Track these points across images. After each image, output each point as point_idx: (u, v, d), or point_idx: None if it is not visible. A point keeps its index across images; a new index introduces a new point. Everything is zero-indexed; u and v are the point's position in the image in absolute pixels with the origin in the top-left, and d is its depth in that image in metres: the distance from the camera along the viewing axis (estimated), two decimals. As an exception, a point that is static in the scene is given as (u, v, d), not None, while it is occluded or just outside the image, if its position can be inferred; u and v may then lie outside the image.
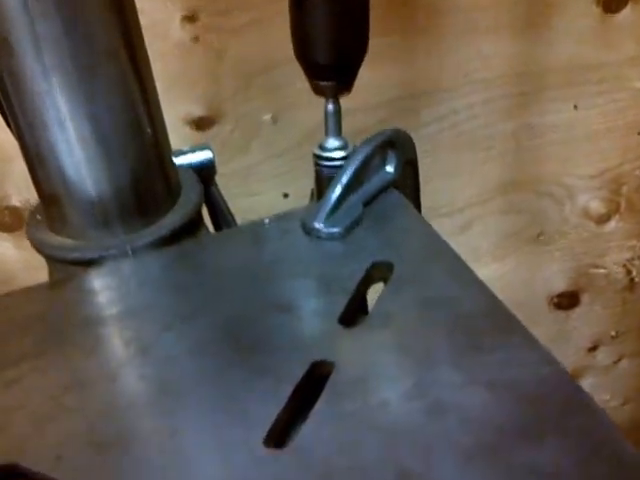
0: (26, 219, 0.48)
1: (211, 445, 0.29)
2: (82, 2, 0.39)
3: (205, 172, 0.55)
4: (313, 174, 0.52)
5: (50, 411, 0.31)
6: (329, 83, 0.47)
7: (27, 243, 0.78)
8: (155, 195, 0.47)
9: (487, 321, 0.33)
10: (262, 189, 0.82)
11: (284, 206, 0.82)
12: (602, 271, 1.05)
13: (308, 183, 0.54)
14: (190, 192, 0.50)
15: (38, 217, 0.47)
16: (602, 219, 0.99)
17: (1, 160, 0.74)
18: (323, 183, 0.54)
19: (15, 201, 0.76)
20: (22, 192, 0.76)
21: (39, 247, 0.45)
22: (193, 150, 0.55)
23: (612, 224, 1.00)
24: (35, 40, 0.38)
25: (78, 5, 0.39)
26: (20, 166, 0.72)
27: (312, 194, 0.61)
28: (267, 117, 0.78)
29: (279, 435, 0.29)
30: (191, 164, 0.55)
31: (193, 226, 0.49)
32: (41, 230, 0.45)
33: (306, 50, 0.46)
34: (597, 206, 0.97)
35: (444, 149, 0.86)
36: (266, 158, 0.80)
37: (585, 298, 1.07)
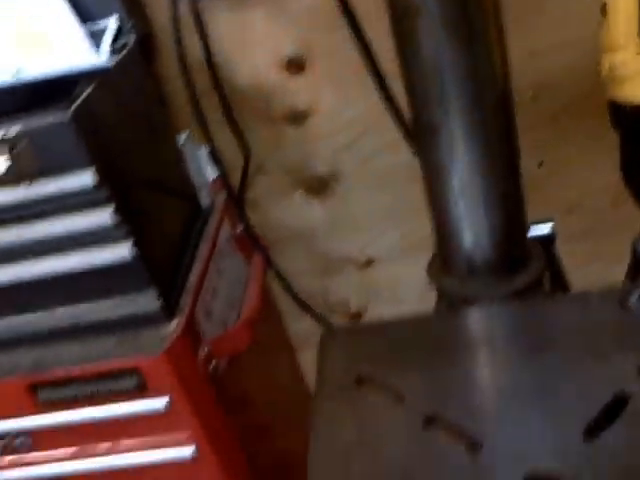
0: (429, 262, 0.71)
1: None
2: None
3: (546, 242, 0.74)
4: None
5: None
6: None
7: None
8: (514, 256, 0.66)
9: None
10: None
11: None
12: None
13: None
14: (535, 258, 0.68)
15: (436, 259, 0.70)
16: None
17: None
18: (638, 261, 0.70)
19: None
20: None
21: (434, 281, 0.68)
22: (536, 223, 0.74)
23: None
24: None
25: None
26: (329, 143, 1.03)
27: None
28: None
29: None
30: (535, 236, 0.73)
31: (537, 285, 0.68)
32: (436, 269, 0.69)
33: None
34: None
35: None
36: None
37: None
